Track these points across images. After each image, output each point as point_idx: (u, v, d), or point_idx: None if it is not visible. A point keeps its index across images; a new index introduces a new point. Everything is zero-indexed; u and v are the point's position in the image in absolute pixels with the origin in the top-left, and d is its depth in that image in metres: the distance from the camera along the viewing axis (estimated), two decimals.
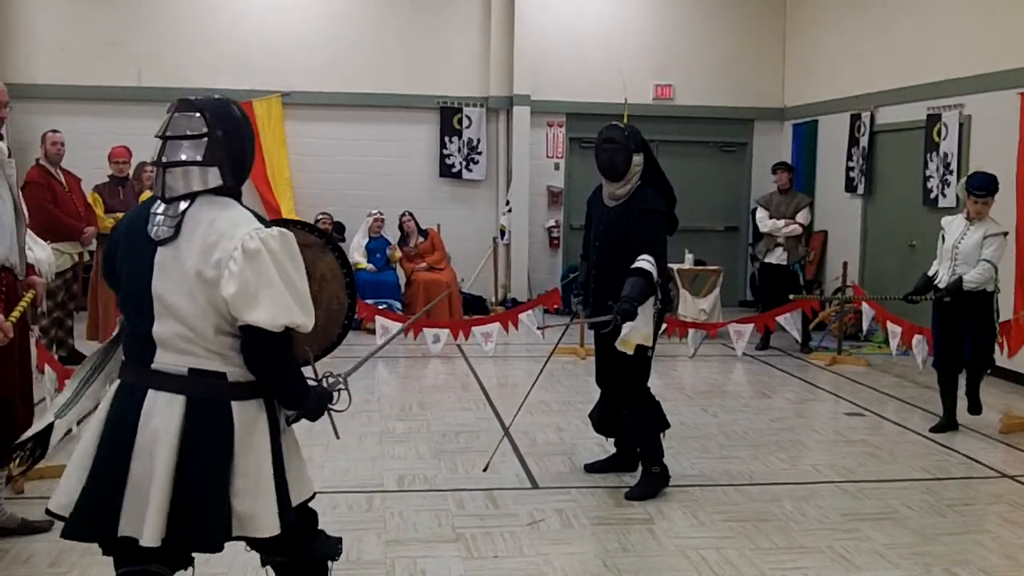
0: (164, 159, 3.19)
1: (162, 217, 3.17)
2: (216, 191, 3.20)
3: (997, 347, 7.97)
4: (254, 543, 3.40)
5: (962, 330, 7.56)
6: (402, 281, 12.61)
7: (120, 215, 9.58)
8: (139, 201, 9.85)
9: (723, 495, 6.05)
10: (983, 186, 7.41)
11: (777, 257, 11.38)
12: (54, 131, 9.16)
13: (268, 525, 3.21)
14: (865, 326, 10.64)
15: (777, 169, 11.70)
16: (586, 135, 14.25)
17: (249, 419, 3.21)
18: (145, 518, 3.10)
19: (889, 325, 9.79)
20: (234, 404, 3.18)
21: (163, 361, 3.17)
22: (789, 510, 5.76)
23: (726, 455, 6.89)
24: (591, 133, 14.25)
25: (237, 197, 3.29)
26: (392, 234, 12.79)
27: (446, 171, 13.89)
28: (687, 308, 11.90)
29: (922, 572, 4.88)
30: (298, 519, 3.37)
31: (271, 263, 3.07)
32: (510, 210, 13.74)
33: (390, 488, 6.04)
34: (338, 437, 3.74)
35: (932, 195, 10.80)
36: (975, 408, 7.74)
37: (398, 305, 12.09)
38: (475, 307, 13.17)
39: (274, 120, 13.34)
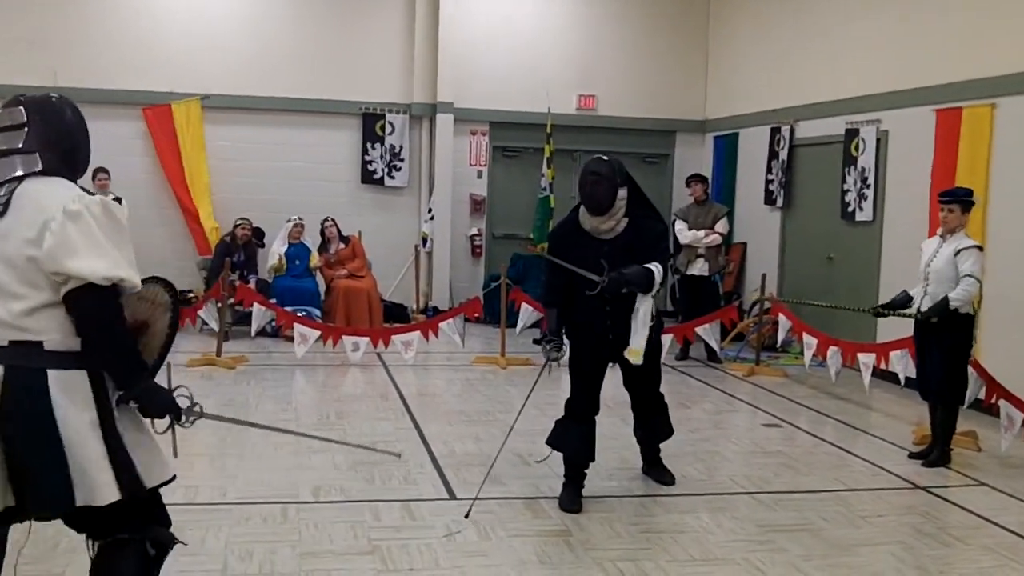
0: None
1: None
2: (43, 173, 3.34)
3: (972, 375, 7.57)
4: (88, 520, 3.36)
5: (934, 355, 7.20)
6: (322, 288, 12.47)
7: None
8: None
9: (640, 506, 6.05)
10: (947, 192, 7.39)
11: (699, 269, 11.48)
12: None
13: (107, 492, 3.20)
14: (781, 337, 10.75)
15: (691, 181, 11.81)
16: (510, 144, 14.28)
17: (69, 389, 3.20)
18: None
19: (805, 336, 9.91)
20: (51, 372, 3.19)
21: None
22: (705, 521, 5.78)
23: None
24: (514, 142, 14.47)
25: (70, 178, 3.41)
26: (313, 240, 12.64)
27: (368, 177, 13.78)
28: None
29: None
30: (148, 501, 3.42)
31: (93, 223, 3.18)
32: (432, 218, 13.69)
33: (305, 499, 5.94)
34: (176, 455, 3.50)
35: (850, 209, 10.96)
36: (940, 455, 7.21)
37: (317, 312, 11.95)
38: (396, 315, 13.07)
39: (193, 123, 13.10)
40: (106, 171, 11.58)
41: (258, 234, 12.79)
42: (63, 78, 12.71)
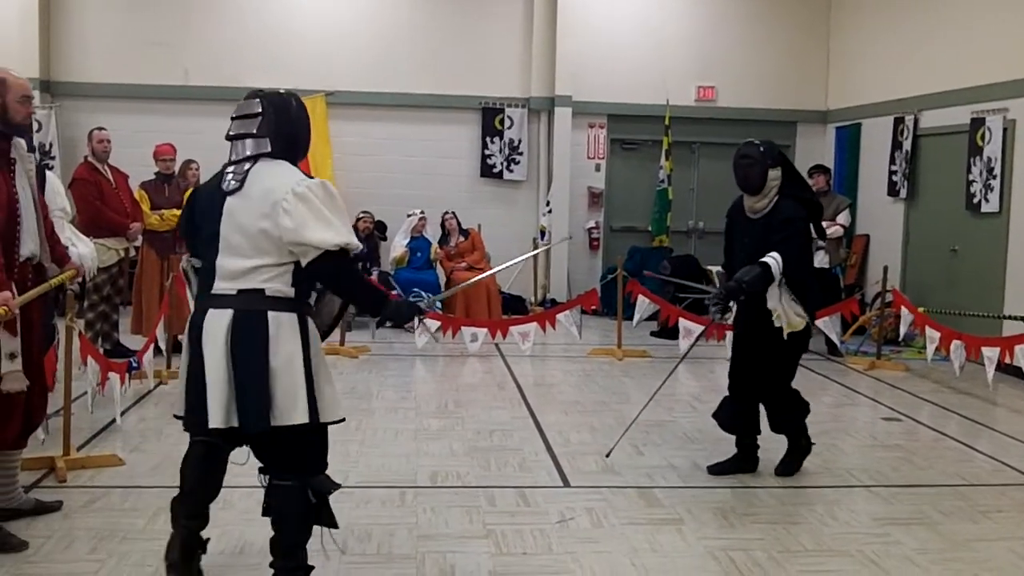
0: (231, 133, 4.17)
1: (232, 175, 4.09)
2: (271, 155, 4.09)
3: None
4: (271, 455, 4.15)
5: None
6: (442, 280, 12.69)
7: (166, 212, 9.79)
8: (184, 198, 10.03)
9: (755, 497, 6.06)
10: None
11: (819, 260, 11.29)
12: (100, 128, 9.32)
13: (297, 414, 3.97)
14: (903, 331, 10.55)
15: (814, 172, 11.63)
16: (627, 136, 14.30)
17: (284, 326, 3.99)
18: (208, 405, 3.98)
19: (928, 330, 9.72)
20: (270, 313, 3.99)
21: (220, 286, 4.03)
22: (820, 513, 5.76)
23: (760, 457, 6.86)
24: (632, 134, 14.51)
25: (292, 162, 4.15)
26: (434, 232, 12.88)
27: (487, 171, 13.98)
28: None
29: None
30: (315, 445, 4.16)
31: (317, 201, 3.95)
32: (550, 211, 13.79)
33: (423, 484, 6.11)
34: (437, 341, 4.80)
35: (975, 200, 10.71)
36: None
37: (438, 304, 12.16)
38: (514, 307, 13.23)
39: (318, 119, 13.40)
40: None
41: (380, 227, 13.08)
42: (194, 77, 13.26)
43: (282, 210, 3.90)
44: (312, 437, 4.10)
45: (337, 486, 4.28)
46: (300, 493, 4.12)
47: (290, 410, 3.96)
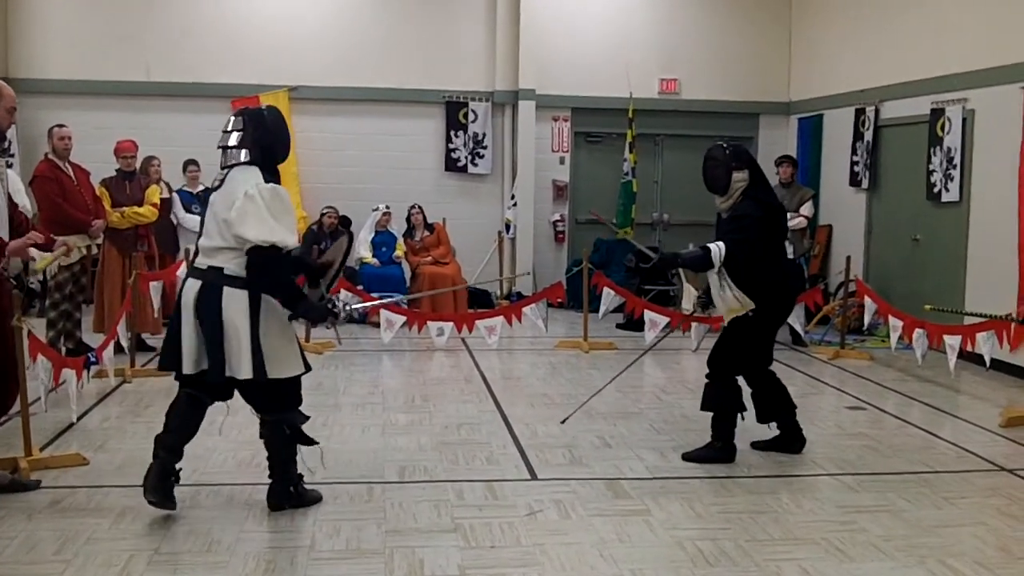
0: (219, 145, 5.19)
1: (220, 177, 5.15)
2: (249, 163, 5.08)
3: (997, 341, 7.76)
4: (251, 398, 5.25)
5: None
6: (407, 275, 12.65)
7: (127, 209, 9.72)
8: (145, 195, 9.97)
9: (721, 487, 6.09)
10: None
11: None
12: (60, 125, 9.20)
13: (243, 371, 4.98)
14: (867, 320, 10.63)
15: (781, 163, 11.68)
16: (592, 129, 14.33)
17: (234, 299, 4.96)
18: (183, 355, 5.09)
19: (891, 319, 9.80)
20: (225, 288, 4.96)
21: (199, 261, 5.11)
22: (786, 502, 5.80)
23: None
24: (597, 127, 14.53)
25: (266, 168, 5.09)
26: (399, 226, 12.84)
27: (452, 165, 13.96)
28: (690, 301, 11.90)
29: (917, 564, 4.91)
30: (281, 390, 5.18)
31: (260, 202, 4.90)
32: (515, 204, 13.80)
33: (391, 479, 6.10)
34: (340, 343, 5.26)
35: (936, 189, 10.80)
36: None
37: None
38: (480, 300, 13.22)
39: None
40: (196, 163, 11.84)
41: (345, 222, 13.01)
42: (156, 73, 13.15)
43: (234, 206, 4.86)
44: (277, 385, 5.11)
45: (305, 418, 5.40)
46: (277, 426, 5.26)
47: (238, 367, 4.98)
